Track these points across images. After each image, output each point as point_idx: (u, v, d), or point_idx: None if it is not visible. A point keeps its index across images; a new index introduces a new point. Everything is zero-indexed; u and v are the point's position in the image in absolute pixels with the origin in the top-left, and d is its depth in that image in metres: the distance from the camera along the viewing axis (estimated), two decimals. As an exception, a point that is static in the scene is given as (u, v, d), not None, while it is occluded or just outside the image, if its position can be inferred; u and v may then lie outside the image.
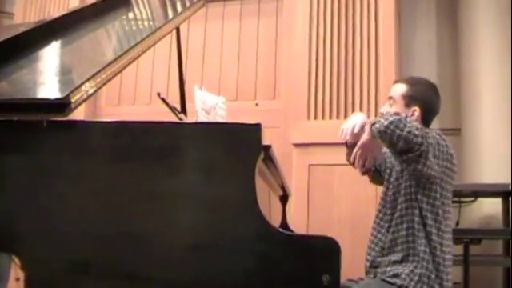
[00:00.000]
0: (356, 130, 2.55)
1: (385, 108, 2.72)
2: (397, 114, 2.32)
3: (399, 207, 2.53)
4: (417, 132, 2.27)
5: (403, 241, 2.49)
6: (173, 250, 1.90)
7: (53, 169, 1.96)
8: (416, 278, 2.40)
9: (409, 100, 2.63)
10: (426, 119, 2.64)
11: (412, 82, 2.70)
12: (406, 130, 2.26)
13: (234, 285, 1.86)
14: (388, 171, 2.73)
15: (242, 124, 1.92)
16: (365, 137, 2.46)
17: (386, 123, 2.27)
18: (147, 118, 2.05)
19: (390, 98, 2.69)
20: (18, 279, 3.68)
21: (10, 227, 1.95)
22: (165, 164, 1.92)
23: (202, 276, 1.87)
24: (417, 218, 2.46)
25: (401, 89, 2.67)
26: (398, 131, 2.26)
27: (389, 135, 2.28)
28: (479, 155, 4.72)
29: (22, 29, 2.55)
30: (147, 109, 4.95)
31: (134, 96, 5.19)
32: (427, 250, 2.43)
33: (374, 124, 2.35)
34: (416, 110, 2.60)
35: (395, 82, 2.78)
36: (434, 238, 2.44)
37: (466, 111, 4.96)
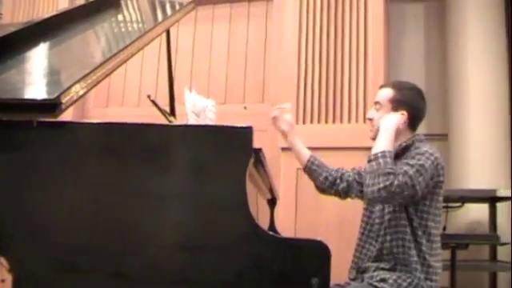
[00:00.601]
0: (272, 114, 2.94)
1: (371, 113, 2.71)
2: (389, 185, 2.33)
3: (386, 217, 2.53)
4: (404, 194, 2.34)
5: (389, 252, 2.49)
6: (162, 250, 1.90)
7: (42, 169, 1.95)
8: (404, 284, 2.40)
9: (396, 104, 2.62)
10: (413, 124, 2.64)
11: (398, 87, 2.69)
12: (394, 202, 2.41)
13: (223, 285, 1.86)
14: None
15: (234, 127, 1.92)
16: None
17: (372, 195, 2.38)
18: (135, 120, 2.05)
19: (377, 102, 2.69)
20: (3, 281, 3.65)
21: (-4, 227, 1.95)
22: (155, 166, 1.92)
23: (191, 276, 1.87)
24: (408, 230, 2.45)
25: (387, 93, 2.66)
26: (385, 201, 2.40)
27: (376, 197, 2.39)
28: (466, 161, 4.75)
29: (12, 29, 2.54)
30: (136, 111, 4.94)
31: (122, 98, 5.17)
32: (418, 260, 2.43)
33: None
34: (404, 114, 2.60)
35: (381, 86, 2.77)
36: (424, 248, 2.44)
37: (453, 117, 4.99)
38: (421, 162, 2.40)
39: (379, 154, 2.41)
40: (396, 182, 2.31)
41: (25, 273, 1.92)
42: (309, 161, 2.97)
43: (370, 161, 2.43)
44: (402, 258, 2.45)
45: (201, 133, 1.98)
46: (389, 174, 2.33)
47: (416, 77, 5.11)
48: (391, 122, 2.53)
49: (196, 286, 1.88)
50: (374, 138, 2.68)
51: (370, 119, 2.71)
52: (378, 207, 2.59)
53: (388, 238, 2.50)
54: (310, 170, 2.98)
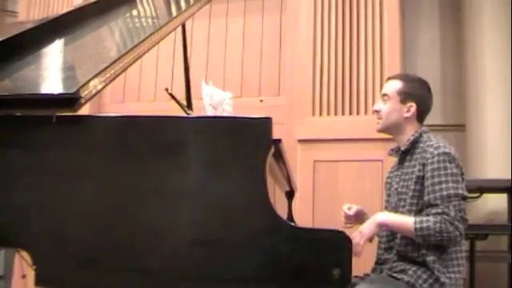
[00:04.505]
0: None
1: (378, 105, 2.71)
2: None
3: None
4: (464, 210, 2.39)
5: (404, 255, 2.47)
6: (181, 245, 1.90)
7: (62, 164, 1.96)
8: (424, 276, 2.39)
9: (404, 96, 2.63)
10: (420, 116, 2.65)
11: (406, 79, 2.70)
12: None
13: (245, 279, 1.85)
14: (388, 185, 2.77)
15: (253, 118, 1.92)
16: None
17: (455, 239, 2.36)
18: (152, 114, 2.05)
19: (384, 94, 2.69)
20: (24, 276, 3.69)
21: (19, 223, 1.95)
22: (174, 158, 1.92)
23: (212, 270, 1.87)
24: None
25: (396, 85, 2.67)
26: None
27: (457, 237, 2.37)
28: (484, 151, 4.73)
29: (29, 26, 2.55)
30: (152, 106, 4.94)
31: (138, 93, 5.18)
32: (436, 259, 2.40)
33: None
34: (412, 106, 2.61)
35: (388, 78, 2.77)
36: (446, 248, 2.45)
37: (470, 107, 4.97)
38: (449, 171, 2.41)
39: (418, 233, 2.34)
40: (450, 220, 2.32)
41: (47, 268, 1.93)
42: None
43: (418, 237, 2.36)
44: (417, 261, 2.43)
45: (220, 125, 1.98)
46: (441, 228, 2.31)
47: (432, 69, 5.11)
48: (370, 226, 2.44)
49: (216, 280, 1.87)
50: (380, 131, 2.68)
51: (377, 111, 2.70)
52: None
53: (403, 241, 2.48)
54: None
